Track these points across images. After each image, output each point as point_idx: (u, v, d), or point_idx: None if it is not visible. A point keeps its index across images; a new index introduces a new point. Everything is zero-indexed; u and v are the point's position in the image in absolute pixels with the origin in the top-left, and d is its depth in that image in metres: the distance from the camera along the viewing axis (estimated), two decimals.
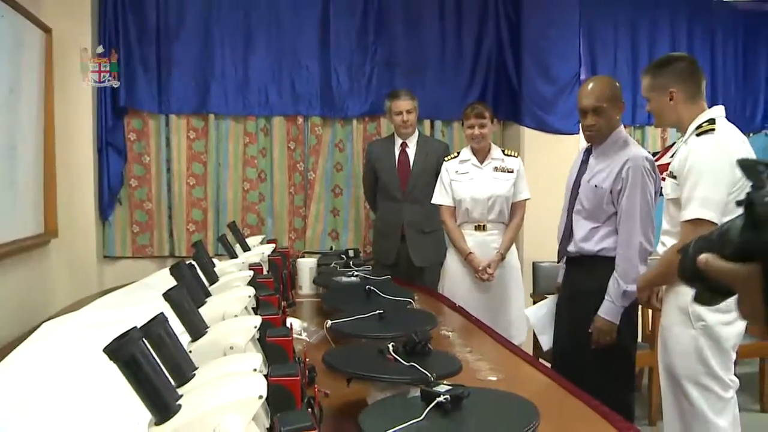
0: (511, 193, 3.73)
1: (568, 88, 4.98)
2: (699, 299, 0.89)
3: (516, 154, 3.85)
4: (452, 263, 3.80)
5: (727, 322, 2.41)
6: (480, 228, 3.74)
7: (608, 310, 2.89)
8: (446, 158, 3.89)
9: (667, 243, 2.60)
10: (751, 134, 5.39)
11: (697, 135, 2.48)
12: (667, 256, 2.57)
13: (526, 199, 3.80)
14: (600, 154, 3.04)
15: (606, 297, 2.90)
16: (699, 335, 2.43)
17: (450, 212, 3.80)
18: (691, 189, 2.40)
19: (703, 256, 0.83)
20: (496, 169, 3.75)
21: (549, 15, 4.95)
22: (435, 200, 3.85)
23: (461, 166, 3.79)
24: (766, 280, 0.77)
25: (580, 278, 3.07)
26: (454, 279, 3.78)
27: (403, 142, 4.25)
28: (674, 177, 2.53)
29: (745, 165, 0.81)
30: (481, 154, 3.77)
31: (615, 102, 2.99)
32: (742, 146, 2.47)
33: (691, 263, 0.86)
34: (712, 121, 2.49)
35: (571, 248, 3.08)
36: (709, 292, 0.86)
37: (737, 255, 0.81)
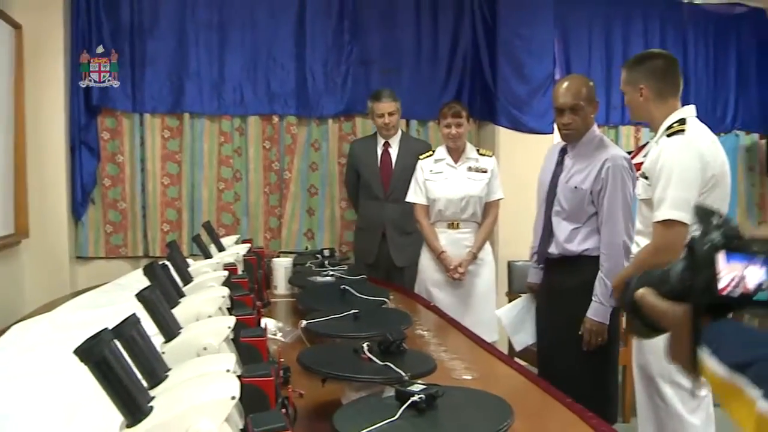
0: (484, 193, 3.74)
1: (542, 87, 5.01)
2: (634, 330, 0.91)
3: (491, 154, 3.87)
4: (426, 262, 3.81)
5: None
6: (453, 226, 3.75)
7: (597, 311, 2.91)
8: (421, 156, 3.89)
9: (640, 243, 2.62)
10: (721, 134, 5.46)
11: (668, 135, 2.50)
12: (641, 256, 2.59)
13: (499, 199, 3.81)
14: (577, 154, 3.06)
15: (593, 298, 2.92)
16: None
17: (424, 211, 3.80)
18: (662, 190, 2.42)
19: (640, 291, 0.85)
20: (470, 169, 3.76)
21: (524, 15, 4.97)
22: (409, 198, 3.86)
23: (436, 166, 3.80)
24: (695, 323, 0.78)
25: (562, 279, 3.08)
26: (427, 278, 3.79)
27: (385, 142, 4.25)
28: (646, 177, 2.55)
29: (699, 211, 0.84)
30: (456, 154, 3.79)
31: (591, 101, 3.03)
32: (712, 146, 2.49)
33: (631, 295, 0.88)
34: (682, 121, 2.51)
35: (552, 250, 3.09)
36: (645, 326, 0.88)
37: (673, 294, 0.83)
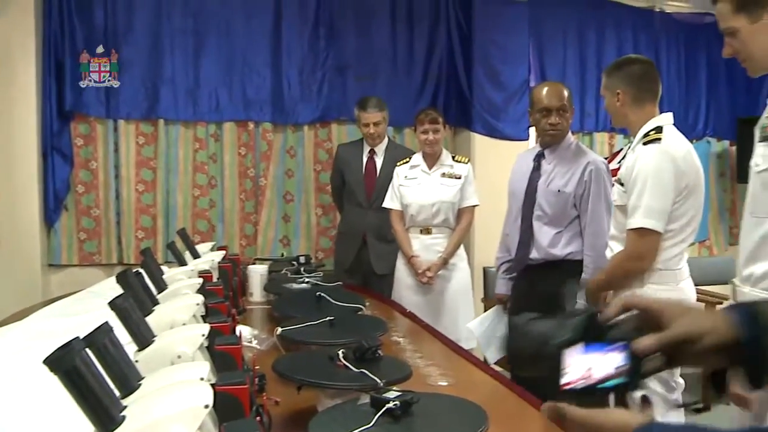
0: (457, 200, 3.75)
1: (517, 94, 5.05)
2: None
3: (466, 161, 3.88)
4: (401, 268, 3.82)
5: None
6: (425, 231, 3.76)
7: None
8: (398, 163, 3.91)
9: (614, 248, 2.65)
10: (693, 141, 5.54)
11: (644, 144, 2.53)
12: (613, 263, 2.62)
13: (473, 206, 3.82)
14: (556, 158, 3.10)
15: (578, 301, 2.95)
16: None
17: (398, 216, 3.83)
18: (637, 198, 2.45)
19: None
20: (443, 175, 3.78)
21: (499, 22, 5.01)
22: (385, 204, 3.89)
23: (411, 171, 3.83)
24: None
25: (544, 283, 3.11)
26: (402, 284, 3.80)
27: (371, 149, 4.24)
28: (621, 184, 2.59)
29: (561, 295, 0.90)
30: (431, 160, 3.80)
31: (571, 104, 3.09)
32: (688, 156, 2.52)
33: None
34: (659, 129, 2.54)
35: (534, 255, 3.12)
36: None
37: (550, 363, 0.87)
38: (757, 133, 1.90)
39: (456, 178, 3.77)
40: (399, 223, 3.81)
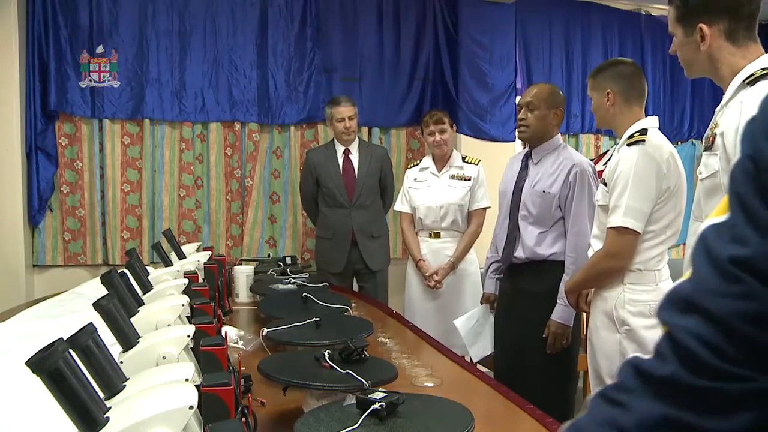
0: (465, 201, 3.73)
1: (504, 96, 5.07)
2: None
3: (477, 161, 3.84)
4: (411, 271, 3.81)
5: (651, 325, 2.47)
6: (434, 235, 3.76)
7: (562, 314, 2.96)
8: (409, 165, 3.93)
9: (596, 247, 2.66)
10: (678, 143, 5.60)
11: (628, 144, 2.55)
12: (592, 261, 2.63)
13: (484, 208, 3.79)
14: (542, 159, 3.12)
15: (559, 301, 2.97)
16: (623, 339, 2.49)
17: (408, 219, 3.83)
18: (617, 197, 2.47)
19: None
20: (453, 177, 3.77)
21: (486, 24, 5.03)
22: (395, 207, 3.93)
23: (420, 174, 3.84)
24: None
25: (528, 283, 3.12)
26: (411, 287, 3.80)
27: (345, 149, 4.22)
28: (605, 184, 2.60)
29: None
30: (441, 162, 3.80)
31: (550, 105, 3.09)
32: (671, 159, 2.52)
33: None
34: (644, 131, 2.55)
35: (519, 254, 3.13)
36: None
37: None
38: (702, 143, 1.98)
39: (465, 179, 3.75)
40: (408, 226, 3.81)
